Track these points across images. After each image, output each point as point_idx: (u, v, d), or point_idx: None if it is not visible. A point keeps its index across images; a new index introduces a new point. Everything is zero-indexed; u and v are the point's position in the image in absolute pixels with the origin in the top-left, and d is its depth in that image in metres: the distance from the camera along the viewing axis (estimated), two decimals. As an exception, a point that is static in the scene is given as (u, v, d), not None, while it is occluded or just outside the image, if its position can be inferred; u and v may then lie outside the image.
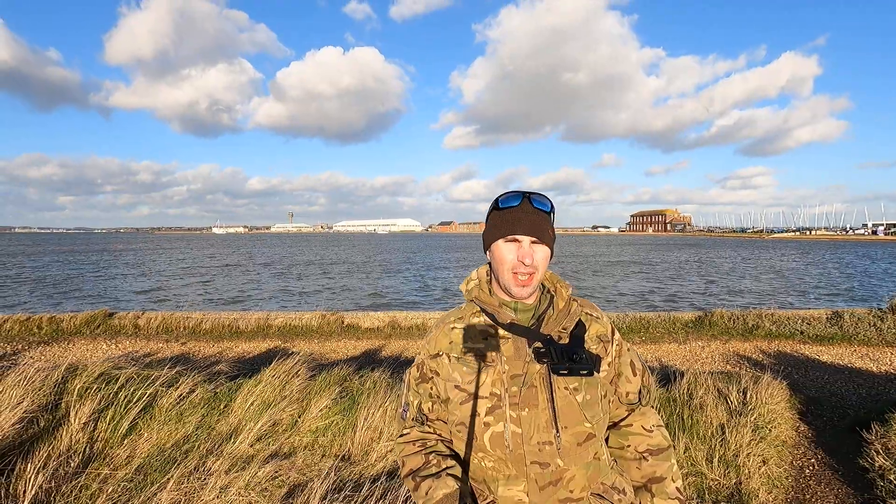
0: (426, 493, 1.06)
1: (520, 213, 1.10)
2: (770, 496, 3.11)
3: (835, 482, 3.35)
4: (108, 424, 3.15)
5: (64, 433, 3.03)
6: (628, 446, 1.20)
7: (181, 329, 7.57)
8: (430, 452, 1.14)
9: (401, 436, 1.22)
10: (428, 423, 1.20)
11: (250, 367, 5.17)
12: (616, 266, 31.67)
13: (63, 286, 19.17)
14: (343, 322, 7.91)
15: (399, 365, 5.62)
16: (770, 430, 3.51)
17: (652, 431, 1.20)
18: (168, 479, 2.71)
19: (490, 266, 1.19)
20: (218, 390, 3.58)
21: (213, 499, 2.64)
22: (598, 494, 1.10)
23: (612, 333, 1.19)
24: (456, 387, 1.11)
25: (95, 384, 3.33)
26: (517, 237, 1.09)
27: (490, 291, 1.18)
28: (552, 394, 1.06)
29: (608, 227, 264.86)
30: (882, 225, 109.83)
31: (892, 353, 6.73)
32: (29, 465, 2.73)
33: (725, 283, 21.65)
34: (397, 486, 2.72)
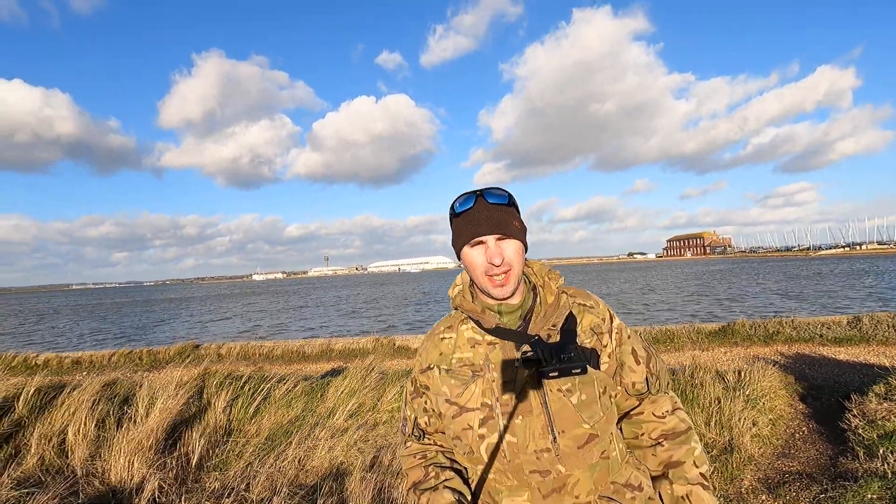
0: None
1: (477, 213, 1.05)
2: (759, 451, 3.83)
3: (818, 441, 4.03)
4: (240, 409, 4.20)
5: (210, 415, 4.10)
6: (642, 434, 1.15)
7: (257, 355, 8.75)
8: (430, 465, 1.14)
9: (403, 449, 1.23)
10: (427, 436, 1.19)
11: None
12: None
13: (149, 330, 21.27)
14: (395, 344, 8.94)
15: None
16: (761, 401, 4.23)
17: (664, 417, 1.14)
18: (291, 441, 3.72)
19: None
20: (314, 385, 4.61)
21: (325, 453, 3.63)
22: (607, 497, 1.05)
23: (611, 321, 1.12)
24: (447, 401, 1.09)
25: (226, 380, 4.42)
26: (481, 238, 1.04)
27: (473, 297, 1.13)
28: (545, 398, 1.01)
29: (644, 254, 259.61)
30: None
31: (908, 351, 7.15)
32: (194, 432, 3.80)
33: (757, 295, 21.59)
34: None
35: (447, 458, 1.16)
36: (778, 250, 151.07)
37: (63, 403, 4.18)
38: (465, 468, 1.13)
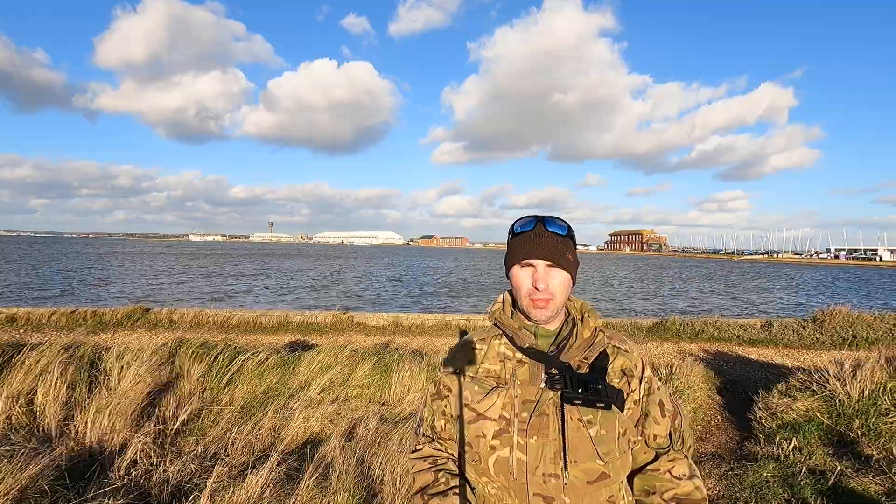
0: None
1: (534, 237, 1.09)
2: (682, 435, 4.47)
3: (729, 428, 4.73)
4: (214, 378, 4.33)
5: (185, 383, 4.21)
6: (653, 493, 1.11)
7: (211, 323, 8.68)
8: (440, 470, 1.15)
9: (413, 451, 1.23)
10: (439, 440, 1.20)
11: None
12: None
13: (88, 288, 19.96)
14: (353, 320, 9.13)
15: (408, 352, 6.87)
16: (686, 393, 4.88)
17: (681, 479, 1.10)
18: (267, 411, 3.92)
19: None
20: (286, 358, 4.79)
21: (301, 423, 3.87)
22: None
23: (642, 370, 1.13)
24: (466, 405, 1.12)
25: (200, 350, 4.51)
26: (531, 262, 1.08)
27: (512, 314, 1.17)
28: (564, 424, 1.03)
29: (587, 246, 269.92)
30: (844, 250, 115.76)
31: (807, 354, 8.24)
32: (170, 399, 3.92)
33: (686, 295, 23.47)
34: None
35: (457, 466, 1.17)
36: (707, 252, 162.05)
37: (24, 364, 4.14)
38: (467, 477, 1.14)
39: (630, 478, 1.15)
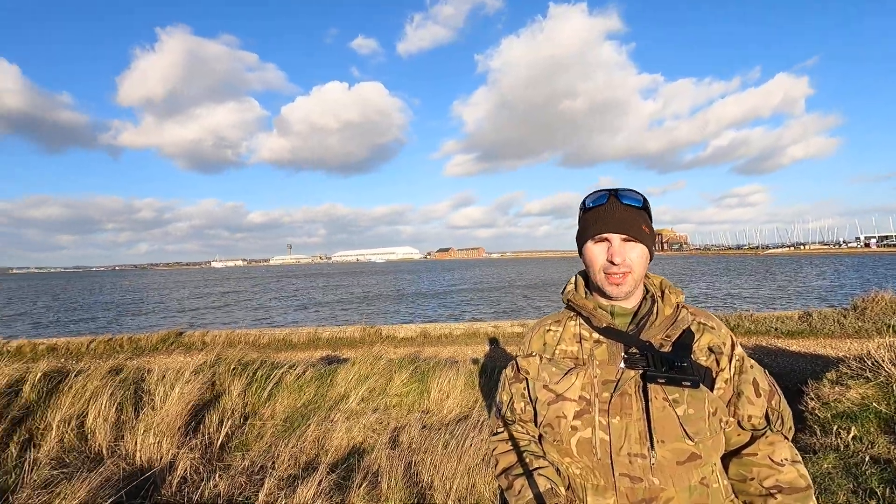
0: (518, 492, 1.05)
1: (607, 210, 1.06)
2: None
3: (780, 421, 4.57)
4: (254, 393, 4.37)
5: (226, 400, 4.25)
6: (752, 479, 1.05)
7: (243, 343, 8.76)
8: (523, 451, 1.13)
9: (494, 434, 1.22)
10: (520, 422, 1.19)
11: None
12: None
13: (122, 317, 20.47)
14: (381, 333, 9.16)
15: (441, 360, 6.83)
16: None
17: (783, 465, 1.02)
18: (309, 423, 3.93)
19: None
20: (322, 371, 4.81)
21: (343, 434, 3.86)
22: None
23: (732, 347, 1.07)
24: (544, 386, 1.10)
25: (239, 367, 4.57)
26: (605, 236, 1.06)
27: (586, 294, 1.14)
28: (647, 403, 1.00)
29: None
30: (874, 237, 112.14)
31: (850, 343, 7.94)
32: (214, 416, 3.96)
33: (724, 290, 22.93)
34: (463, 426, 3.92)
35: (539, 447, 1.15)
36: (730, 248, 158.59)
37: (72, 388, 4.23)
38: (553, 461, 1.11)
39: (724, 462, 1.10)
